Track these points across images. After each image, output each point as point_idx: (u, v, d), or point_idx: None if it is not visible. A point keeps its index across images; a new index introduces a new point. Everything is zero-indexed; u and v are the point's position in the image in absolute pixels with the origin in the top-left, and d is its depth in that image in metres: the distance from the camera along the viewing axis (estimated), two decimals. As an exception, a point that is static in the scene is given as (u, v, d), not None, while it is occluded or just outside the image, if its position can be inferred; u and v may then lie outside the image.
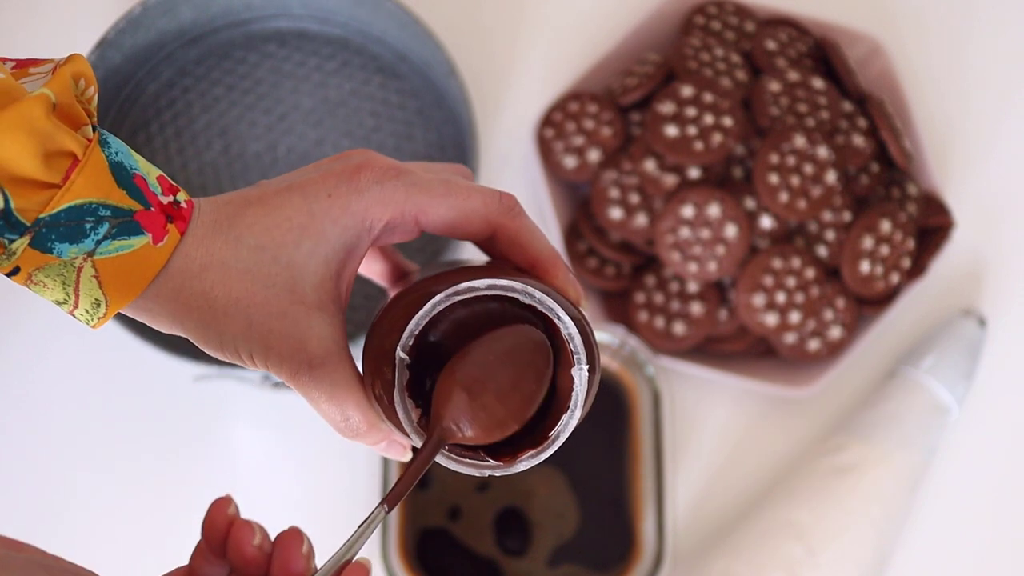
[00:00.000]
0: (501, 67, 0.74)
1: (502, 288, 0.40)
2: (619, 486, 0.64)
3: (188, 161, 0.70)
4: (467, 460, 0.40)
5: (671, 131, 0.62)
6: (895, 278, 0.65)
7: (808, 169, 0.62)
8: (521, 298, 0.40)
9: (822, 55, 0.69)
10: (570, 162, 0.67)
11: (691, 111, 0.62)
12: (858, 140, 0.65)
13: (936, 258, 0.66)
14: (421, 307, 0.37)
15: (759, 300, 0.63)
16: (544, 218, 0.70)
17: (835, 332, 0.65)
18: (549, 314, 0.40)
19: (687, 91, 0.63)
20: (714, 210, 0.62)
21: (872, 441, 0.63)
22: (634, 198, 0.65)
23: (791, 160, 0.62)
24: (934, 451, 0.65)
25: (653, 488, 0.62)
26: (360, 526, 0.36)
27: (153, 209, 0.35)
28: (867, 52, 0.69)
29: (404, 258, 0.45)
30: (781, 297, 0.63)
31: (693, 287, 0.65)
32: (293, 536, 0.39)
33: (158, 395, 0.68)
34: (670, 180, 0.63)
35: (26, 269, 0.35)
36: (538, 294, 0.40)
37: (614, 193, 0.65)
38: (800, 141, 0.62)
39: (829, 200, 0.62)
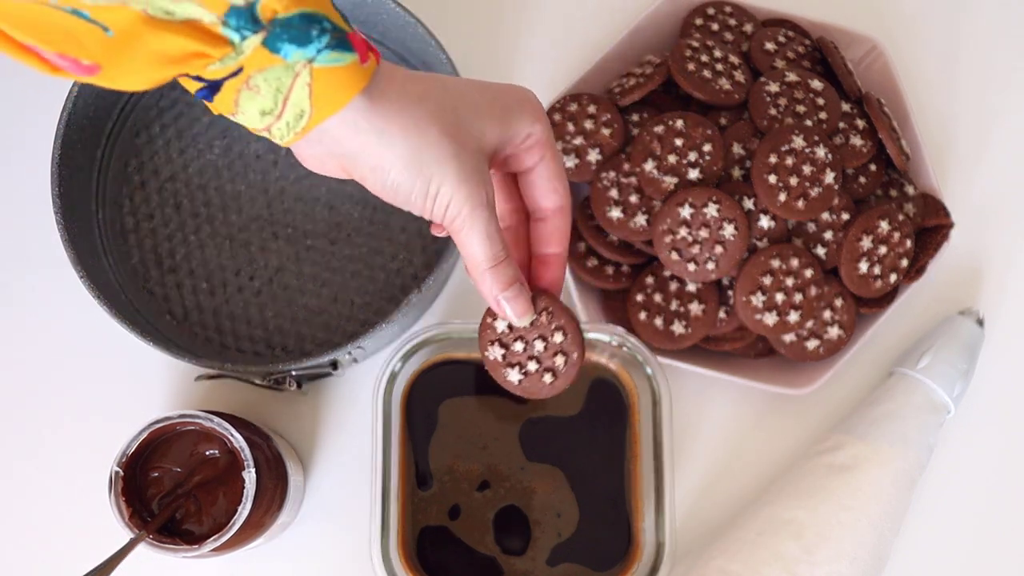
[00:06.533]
0: (501, 68, 0.74)
1: (190, 416, 0.55)
2: (619, 485, 0.64)
3: (189, 162, 0.70)
4: (166, 546, 0.55)
5: (670, 132, 0.63)
6: (893, 278, 0.65)
7: (806, 170, 0.62)
8: (204, 423, 0.56)
9: (820, 56, 0.69)
10: (569, 162, 0.67)
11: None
12: (856, 141, 0.65)
13: (935, 259, 0.66)
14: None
15: (757, 300, 0.63)
16: (544, 218, 0.70)
17: (833, 332, 0.65)
18: (224, 434, 0.55)
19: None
20: (712, 210, 0.62)
21: (869, 440, 0.64)
22: (633, 198, 0.65)
23: (789, 160, 0.62)
24: (931, 450, 0.65)
25: (652, 487, 0.62)
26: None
27: (357, 34, 0.40)
28: (865, 53, 0.70)
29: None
30: (779, 297, 0.63)
31: (692, 287, 0.65)
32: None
33: (159, 395, 0.68)
34: (669, 181, 0.64)
35: (248, 71, 0.38)
36: (216, 419, 0.55)
37: (613, 193, 0.65)
38: (798, 141, 0.62)
39: (827, 200, 0.63)
